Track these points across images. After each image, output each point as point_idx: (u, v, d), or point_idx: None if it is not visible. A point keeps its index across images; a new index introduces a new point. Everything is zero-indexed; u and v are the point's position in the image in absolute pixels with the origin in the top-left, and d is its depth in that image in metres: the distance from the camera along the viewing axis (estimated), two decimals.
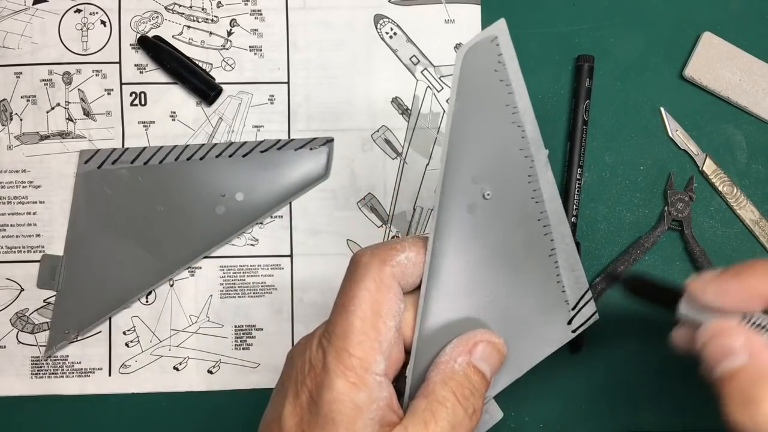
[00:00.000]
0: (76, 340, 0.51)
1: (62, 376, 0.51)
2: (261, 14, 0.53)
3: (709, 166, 0.53)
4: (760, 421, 0.30)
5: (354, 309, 0.33)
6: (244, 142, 0.52)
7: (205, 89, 0.51)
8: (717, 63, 0.53)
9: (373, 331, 0.32)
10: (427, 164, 0.53)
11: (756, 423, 0.30)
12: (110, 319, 0.51)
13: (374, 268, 0.33)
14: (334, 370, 0.32)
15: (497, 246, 0.37)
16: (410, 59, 0.53)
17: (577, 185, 0.52)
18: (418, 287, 0.35)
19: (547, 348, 0.39)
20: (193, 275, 0.52)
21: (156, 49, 0.52)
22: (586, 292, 0.39)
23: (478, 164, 0.35)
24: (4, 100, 0.52)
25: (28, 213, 0.52)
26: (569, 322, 0.39)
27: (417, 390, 0.34)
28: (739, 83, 0.53)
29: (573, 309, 0.40)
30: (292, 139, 0.52)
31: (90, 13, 0.53)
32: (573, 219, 0.52)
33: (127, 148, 0.52)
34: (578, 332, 0.40)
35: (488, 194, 0.36)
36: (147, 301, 0.51)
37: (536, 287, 0.38)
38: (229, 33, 0.53)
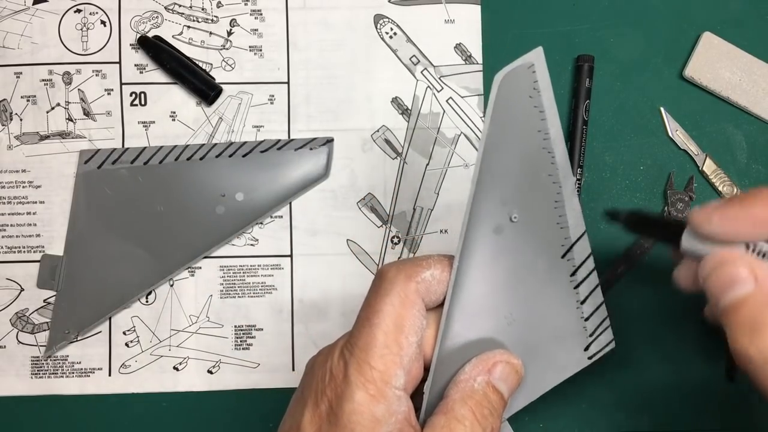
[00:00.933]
0: (76, 340, 0.51)
1: (62, 376, 0.51)
2: (261, 14, 0.53)
3: (709, 166, 0.53)
4: None
5: (378, 322, 0.33)
6: (244, 142, 0.52)
7: (205, 89, 0.51)
8: (717, 63, 0.53)
9: (396, 346, 0.33)
10: (427, 164, 0.53)
11: (763, 351, 0.30)
12: (110, 319, 0.51)
13: (400, 284, 0.34)
14: (355, 381, 0.32)
15: (520, 268, 0.37)
16: (410, 59, 0.53)
17: (577, 185, 0.52)
18: (441, 304, 0.35)
19: (563, 373, 0.39)
20: (193, 275, 0.52)
21: (156, 49, 0.52)
22: (605, 319, 0.39)
23: (507, 187, 0.36)
24: (4, 100, 0.52)
25: (28, 213, 0.52)
26: (586, 349, 0.40)
27: (435, 406, 0.34)
28: (739, 83, 0.53)
29: (590, 336, 0.40)
30: (292, 139, 0.52)
31: (90, 13, 0.53)
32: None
33: (127, 148, 0.52)
34: (594, 359, 0.40)
35: (515, 217, 0.37)
36: (147, 301, 0.51)
37: (556, 312, 0.39)
38: (229, 33, 0.53)
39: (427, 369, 0.35)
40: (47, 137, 0.52)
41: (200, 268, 0.52)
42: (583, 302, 0.39)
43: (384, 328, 0.33)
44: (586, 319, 0.39)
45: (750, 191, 0.32)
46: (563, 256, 0.38)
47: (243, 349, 0.52)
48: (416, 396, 0.35)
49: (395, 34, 0.53)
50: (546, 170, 0.37)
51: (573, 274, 0.39)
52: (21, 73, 0.52)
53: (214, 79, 0.52)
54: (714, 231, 0.32)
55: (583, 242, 0.39)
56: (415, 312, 0.34)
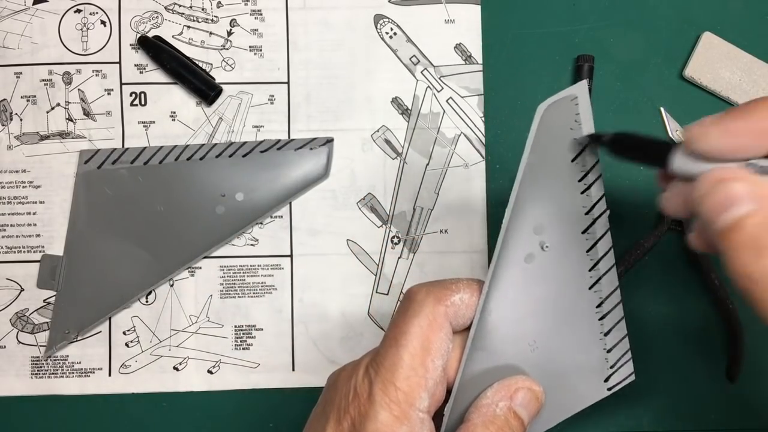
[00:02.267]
0: (76, 340, 0.51)
1: (62, 376, 0.51)
2: (261, 14, 0.53)
3: None
4: None
5: (405, 344, 0.33)
6: (244, 142, 0.52)
7: (205, 89, 0.51)
8: (717, 63, 0.53)
9: (422, 368, 0.33)
10: (427, 164, 0.53)
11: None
12: (110, 319, 0.51)
13: (429, 306, 0.34)
14: (380, 401, 0.32)
15: (548, 297, 0.38)
16: (410, 59, 0.53)
17: None
18: (467, 327, 0.36)
19: (582, 403, 0.40)
20: (193, 275, 0.52)
21: (156, 49, 0.52)
22: (626, 352, 0.40)
23: (541, 216, 0.37)
24: (4, 100, 0.52)
25: (28, 213, 0.52)
26: (606, 380, 0.40)
27: (455, 429, 0.35)
28: (739, 83, 0.53)
29: (611, 367, 0.40)
30: (292, 139, 0.52)
31: (90, 13, 0.53)
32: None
33: (127, 148, 0.52)
34: (614, 391, 0.40)
35: (547, 246, 0.38)
36: (147, 301, 0.52)
37: (579, 341, 0.39)
38: (229, 33, 0.53)
39: (449, 391, 0.36)
40: (47, 137, 0.52)
41: (200, 268, 0.52)
42: (606, 334, 0.39)
43: (411, 350, 0.33)
44: (609, 351, 0.39)
45: (749, 102, 0.29)
46: (591, 288, 0.39)
47: (243, 349, 0.52)
48: (436, 417, 0.35)
49: (395, 34, 0.53)
50: (579, 201, 0.38)
51: (599, 305, 0.39)
52: (21, 73, 0.52)
53: (214, 79, 0.52)
54: (712, 146, 0.30)
55: (611, 275, 0.39)
56: (442, 335, 0.34)
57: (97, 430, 0.51)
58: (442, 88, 0.53)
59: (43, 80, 0.52)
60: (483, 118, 0.53)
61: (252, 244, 0.52)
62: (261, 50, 0.53)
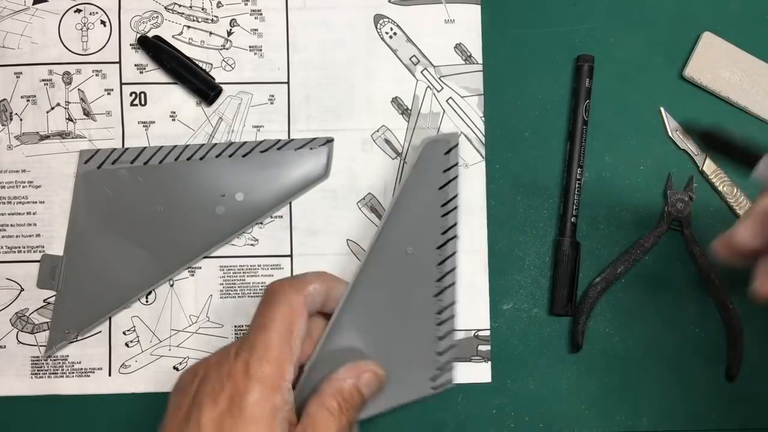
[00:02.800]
0: (76, 340, 0.51)
1: (62, 376, 0.51)
2: (261, 14, 0.53)
3: (709, 166, 0.53)
4: None
5: (273, 328, 0.40)
6: (244, 142, 0.52)
7: (205, 89, 0.51)
8: (717, 63, 0.53)
9: (287, 347, 0.40)
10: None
11: None
12: (110, 319, 0.51)
13: (289, 296, 0.41)
14: (256, 376, 0.38)
15: (400, 296, 0.47)
16: (410, 59, 0.53)
17: (577, 185, 0.52)
18: (321, 313, 0.45)
19: (410, 395, 0.47)
20: (193, 275, 0.52)
21: (156, 49, 0.52)
22: (453, 360, 0.48)
23: (408, 227, 0.47)
24: (4, 100, 0.52)
25: (28, 213, 0.52)
26: (433, 379, 0.47)
27: (309, 398, 0.41)
28: (739, 83, 0.53)
29: (438, 369, 0.47)
30: (292, 139, 0.52)
31: (90, 13, 0.53)
32: (573, 219, 0.52)
33: (127, 148, 0.52)
34: (436, 392, 0.47)
35: (410, 250, 0.47)
36: (147, 301, 0.52)
37: (418, 339, 0.47)
38: (229, 33, 0.53)
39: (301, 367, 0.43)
40: (47, 137, 0.52)
41: (200, 268, 0.52)
42: (441, 338, 0.47)
43: (279, 332, 0.40)
44: (440, 354, 0.47)
45: None
46: (435, 296, 0.47)
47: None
48: None
49: (395, 34, 0.53)
50: (438, 223, 0.48)
51: (439, 312, 0.47)
52: (21, 73, 0.52)
53: (213, 79, 0.52)
54: None
55: (452, 289, 0.48)
56: (302, 320, 0.41)
57: (97, 430, 0.51)
58: (442, 88, 0.53)
59: (43, 80, 0.52)
60: (483, 118, 0.53)
61: (252, 244, 0.52)
62: (261, 50, 0.53)
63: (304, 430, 0.39)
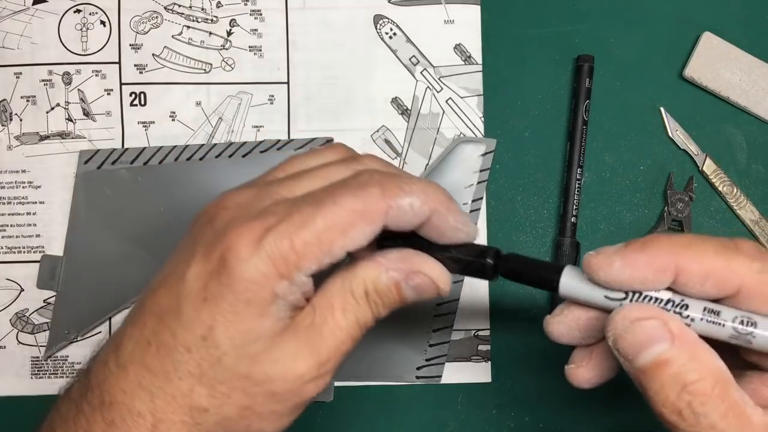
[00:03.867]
0: (76, 341, 0.51)
1: (62, 377, 0.51)
2: (261, 14, 0.53)
3: (709, 166, 0.53)
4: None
5: (326, 214, 0.30)
6: (244, 143, 0.52)
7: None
8: (717, 63, 0.53)
9: (327, 246, 0.30)
10: (427, 164, 0.53)
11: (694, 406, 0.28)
12: (110, 319, 0.51)
13: (371, 196, 0.30)
14: (270, 250, 0.29)
15: None
16: (410, 59, 0.53)
17: (577, 185, 0.52)
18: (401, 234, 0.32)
19: (393, 377, 0.48)
20: None
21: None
22: (442, 356, 0.48)
23: None
24: (4, 100, 0.52)
25: (28, 213, 0.52)
26: (419, 368, 0.48)
27: (334, 274, 0.32)
28: (739, 83, 0.53)
29: (426, 360, 0.48)
30: (292, 139, 0.52)
31: (90, 14, 0.53)
32: (573, 219, 0.52)
33: (126, 149, 0.52)
34: (418, 381, 0.49)
35: None
36: None
37: (411, 328, 0.48)
38: (229, 33, 0.53)
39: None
40: (47, 137, 0.52)
41: None
42: (435, 331, 0.48)
43: (328, 222, 0.29)
44: (431, 346, 0.48)
45: (648, 237, 0.30)
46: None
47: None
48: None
49: (395, 34, 0.53)
50: None
51: (439, 305, 0.48)
52: (21, 73, 0.52)
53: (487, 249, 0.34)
54: (614, 277, 0.30)
55: (456, 287, 0.48)
56: (367, 230, 0.30)
57: None
58: (442, 89, 0.53)
59: (42, 80, 0.52)
60: (483, 119, 0.53)
61: None
62: (261, 50, 0.53)
63: (313, 309, 0.31)
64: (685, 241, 0.29)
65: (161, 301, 0.31)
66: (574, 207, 0.52)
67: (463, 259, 0.33)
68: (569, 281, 0.31)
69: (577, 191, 0.52)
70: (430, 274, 0.32)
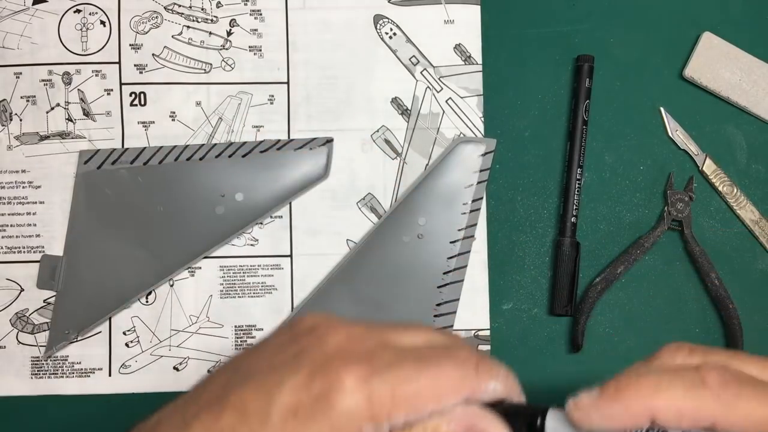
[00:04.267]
0: (76, 340, 0.51)
1: (62, 376, 0.51)
2: (261, 14, 0.53)
3: (708, 166, 0.53)
4: None
5: (431, 376, 0.30)
6: (244, 142, 0.52)
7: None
8: (717, 63, 0.53)
9: (421, 404, 0.30)
10: (427, 164, 0.53)
11: None
12: (110, 319, 0.51)
13: (472, 373, 0.31)
14: (371, 393, 0.30)
15: (403, 280, 0.50)
16: (410, 59, 0.53)
17: (577, 185, 0.52)
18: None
19: None
20: (193, 275, 0.52)
21: None
22: (450, 326, 0.49)
23: (425, 212, 0.50)
24: (4, 100, 0.52)
25: (28, 213, 0.52)
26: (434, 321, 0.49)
27: None
28: (739, 83, 0.53)
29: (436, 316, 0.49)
30: (292, 139, 0.52)
31: (90, 14, 0.53)
32: (573, 219, 0.52)
33: (126, 149, 0.52)
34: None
35: (421, 235, 0.50)
36: (147, 301, 0.52)
37: (418, 300, 0.49)
38: (229, 33, 0.53)
39: None
40: (47, 137, 0.52)
41: (200, 268, 0.52)
42: (435, 318, 0.50)
43: (429, 385, 0.30)
44: (438, 305, 0.50)
45: (622, 379, 0.31)
46: (439, 288, 0.50)
47: (243, 349, 0.52)
48: None
49: (395, 34, 0.53)
50: (457, 218, 0.51)
51: (438, 305, 0.50)
52: (21, 73, 0.52)
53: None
54: (597, 427, 0.32)
55: (455, 287, 0.50)
56: (455, 401, 0.31)
57: (97, 430, 0.51)
58: (442, 89, 0.53)
59: (42, 80, 0.52)
60: (482, 119, 0.53)
61: (252, 244, 0.52)
62: (261, 50, 0.53)
63: None
64: (655, 384, 0.31)
65: (248, 398, 0.31)
66: (574, 207, 0.52)
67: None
68: (552, 425, 0.33)
69: (577, 191, 0.52)
70: (488, 430, 0.32)
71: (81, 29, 0.53)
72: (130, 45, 0.53)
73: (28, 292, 0.51)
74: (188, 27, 0.53)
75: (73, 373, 0.51)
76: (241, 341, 0.52)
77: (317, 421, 0.30)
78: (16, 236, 0.52)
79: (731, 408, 0.29)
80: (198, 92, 0.53)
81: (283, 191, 0.52)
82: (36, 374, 0.51)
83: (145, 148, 0.52)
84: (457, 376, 0.31)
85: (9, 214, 0.52)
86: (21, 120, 0.52)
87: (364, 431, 0.30)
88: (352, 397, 0.30)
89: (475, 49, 0.53)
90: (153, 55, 0.53)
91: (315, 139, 0.52)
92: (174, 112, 0.52)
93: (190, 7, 0.53)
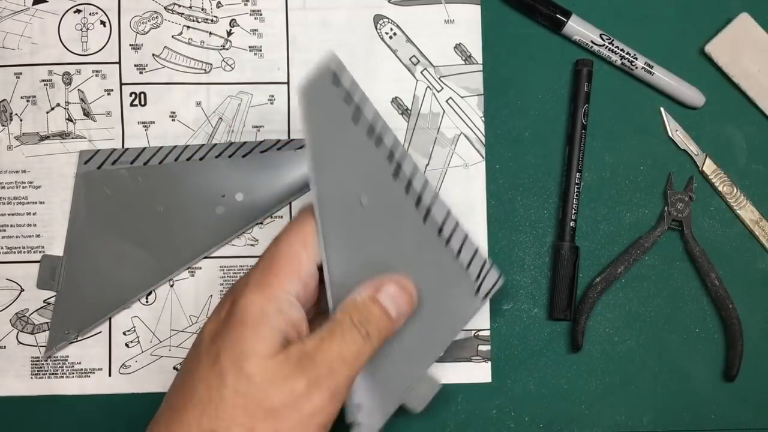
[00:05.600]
0: (76, 341, 0.51)
1: (62, 377, 0.51)
2: (261, 14, 0.53)
3: (709, 166, 0.53)
4: None
5: (284, 239, 0.38)
6: (244, 143, 0.52)
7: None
8: (742, 47, 0.52)
9: (296, 259, 0.37)
10: (427, 164, 0.53)
11: None
12: (110, 319, 0.51)
13: (308, 215, 0.39)
14: (254, 282, 0.36)
15: (387, 241, 0.41)
16: (410, 59, 0.53)
17: (576, 189, 0.52)
18: None
19: (462, 320, 0.42)
20: (193, 275, 0.52)
21: None
22: (485, 262, 0.41)
23: (345, 178, 0.41)
24: (4, 100, 0.52)
25: (28, 213, 0.52)
26: (477, 291, 0.41)
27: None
28: (757, 74, 0.52)
29: (477, 279, 0.41)
30: (292, 140, 0.52)
31: (90, 14, 0.53)
32: (572, 223, 0.52)
33: (126, 149, 0.52)
34: (488, 298, 0.41)
35: (364, 201, 0.41)
36: (147, 302, 0.52)
37: (433, 269, 0.41)
38: (229, 33, 0.53)
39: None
40: (47, 138, 0.52)
41: (200, 268, 0.52)
42: (458, 254, 0.41)
43: (288, 242, 0.38)
44: (468, 268, 0.41)
45: None
46: (425, 221, 0.40)
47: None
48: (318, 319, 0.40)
49: (395, 34, 0.53)
50: (376, 155, 0.40)
51: (440, 232, 0.40)
52: (21, 73, 0.52)
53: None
54: None
55: (438, 204, 0.40)
56: (318, 237, 0.38)
57: (97, 430, 0.51)
58: (442, 88, 0.53)
59: (42, 80, 0.52)
60: (483, 118, 0.53)
61: (252, 245, 0.52)
62: (261, 50, 0.53)
63: (302, 343, 0.36)
64: None
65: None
66: (573, 211, 0.52)
67: None
68: None
69: (576, 195, 0.52)
70: (392, 279, 0.38)
71: (81, 29, 0.53)
72: (130, 45, 0.53)
73: (28, 292, 0.51)
74: (188, 27, 0.53)
75: (73, 373, 0.51)
76: None
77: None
78: (16, 236, 0.52)
79: None
80: (198, 92, 0.53)
81: (283, 191, 0.52)
82: (36, 374, 0.51)
83: (145, 148, 0.52)
84: (297, 229, 0.40)
85: (9, 214, 0.52)
86: (21, 120, 0.52)
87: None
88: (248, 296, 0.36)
89: (476, 49, 0.53)
90: (153, 55, 0.53)
91: None
92: (174, 112, 0.53)
93: (190, 7, 0.53)
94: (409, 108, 0.53)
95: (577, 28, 0.52)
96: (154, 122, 0.52)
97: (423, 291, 0.41)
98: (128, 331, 0.51)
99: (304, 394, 0.34)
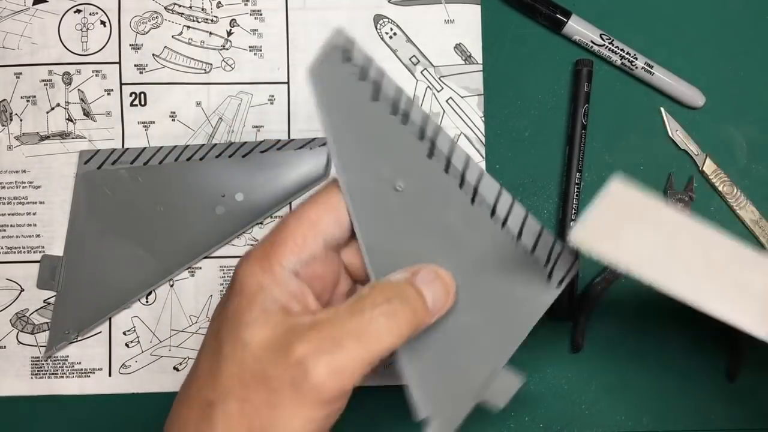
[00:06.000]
0: (76, 341, 0.51)
1: (62, 377, 0.51)
2: (261, 14, 0.53)
3: (709, 167, 0.53)
4: None
5: (296, 215, 0.36)
6: (244, 143, 0.52)
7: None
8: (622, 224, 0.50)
9: (300, 238, 0.35)
10: None
11: None
12: (110, 319, 0.51)
13: (330, 191, 0.36)
14: (254, 255, 0.35)
15: (431, 225, 0.37)
16: (410, 59, 0.53)
17: (576, 190, 0.52)
18: None
19: (537, 311, 0.38)
20: (193, 275, 0.52)
21: None
22: (554, 243, 0.36)
23: (374, 164, 0.36)
24: (4, 100, 0.52)
25: (28, 213, 0.52)
26: (549, 278, 0.37)
27: None
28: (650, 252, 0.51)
29: (546, 264, 0.37)
30: (292, 139, 0.52)
31: (90, 14, 0.53)
32: (572, 222, 0.52)
33: (127, 149, 0.52)
34: (563, 285, 0.37)
35: (400, 186, 0.36)
36: (147, 302, 0.52)
37: (491, 255, 0.37)
38: (229, 33, 0.53)
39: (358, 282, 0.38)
40: (47, 138, 0.52)
41: (200, 268, 0.52)
42: (519, 237, 0.36)
43: (296, 218, 0.35)
44: (533, 251, 0.36)
45: None
46: (472, 202, 0.36)
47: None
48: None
49: (395, 34, 0.53)
50: (405, 134, 0.36)
51: (492, 213, 0.36)
52: (21, 73, 0.52)
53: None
54: None
55: (486, 181, 0.36)
56: (331, 218, 0.35)
57: (97, 430, 0.51)
58: (442, 88, 0.53)
59: (43, 80, 0.52)
60: (483, 118, 0.53)
61: (252, 244, 0.52)
62: (261, 50, 0.53)
63: (311, 314, 0.34)
64: None
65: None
66: (573, 211, 0.52)
67: None
68: None
69: (576, 195, 0.52)
70: (429, 267, 0.35)
71: (81, 29, 0.53)
72: (130, 45, 0.53)
73: (28, 292, 0.51)
74: (188, 27, 0.53)
75: (73, 373, 0.51)
76: None
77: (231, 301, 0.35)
78: (16, 236, 0.52)
79: None
80: (198, 92, 0.53)
81: (283, 191, 0.52)
82: (36, 374, 0.51)
83: (145, 148, 0.52)
84: (312, 206, 0.36)
85: (9, 214, 0.52)
86: (21, 120, 0.52)
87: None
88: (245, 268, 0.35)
89: (476, 49, 0.53)
90: (153, 55, 0.53)
91: (315, 139, 0.52)
92: (174, 112, 0.53)
93: (191, 7, 0.53)
94: None
95: (577, 28, 0.52)
96: (154, 122, 0.52)
97: (480, 281, 0.36)
98: (128, 331, 0.51)
99: (299, 364, 0.32)
